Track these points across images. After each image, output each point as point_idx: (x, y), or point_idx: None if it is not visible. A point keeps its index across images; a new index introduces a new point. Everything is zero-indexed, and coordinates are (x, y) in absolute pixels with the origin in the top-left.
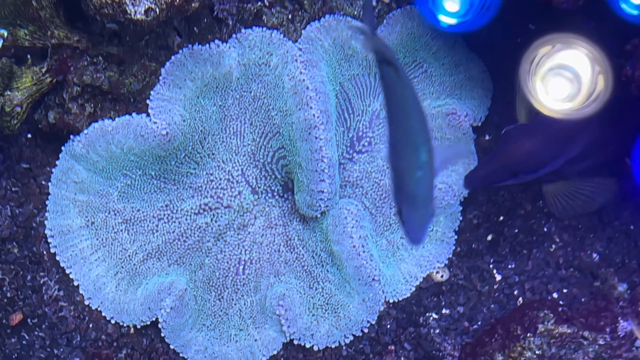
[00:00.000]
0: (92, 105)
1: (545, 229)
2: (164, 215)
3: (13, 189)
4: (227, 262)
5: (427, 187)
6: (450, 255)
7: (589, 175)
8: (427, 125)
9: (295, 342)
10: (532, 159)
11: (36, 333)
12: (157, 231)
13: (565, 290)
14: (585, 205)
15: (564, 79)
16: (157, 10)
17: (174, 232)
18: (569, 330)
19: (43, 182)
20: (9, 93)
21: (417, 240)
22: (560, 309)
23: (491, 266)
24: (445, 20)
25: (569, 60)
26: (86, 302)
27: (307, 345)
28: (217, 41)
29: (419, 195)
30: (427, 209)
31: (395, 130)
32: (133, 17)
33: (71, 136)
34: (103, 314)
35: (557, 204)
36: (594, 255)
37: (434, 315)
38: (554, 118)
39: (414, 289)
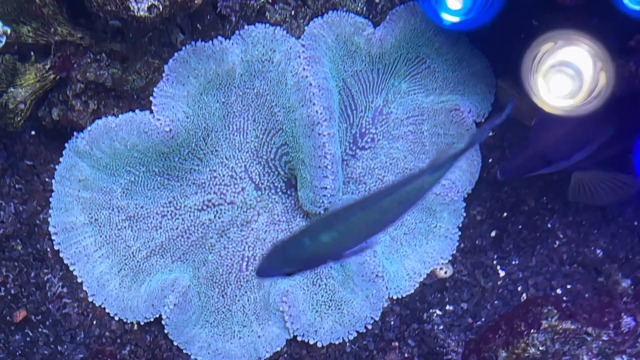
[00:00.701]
0: (95, 102)
1: (549, 225)
2: (168, 211)
3: (17, 186)
4: (231, 259)
5: (306, 257)
6: (454, 252)
7: (619, 164)
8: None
9: (299, 338)
10: (566, 146)
11: (40, 330)
12: (160, 228)
13: (569, 286)
14: (604, 198)
15: (566, 75)
16: (160, 7)
17: (177, 228)
18: (572, 326)
19: (47, 179)
20: (12, 90)
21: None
22: (564, 305)
23: (495, 262)
24: (448, 18)
25: (570, 57)
26: (90, 299)
27: (311, 342)
28: (220, 38)
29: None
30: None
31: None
32: (136, 14)
33: (75, 133)
34: (107, 311)
35: (580, 190)
36: (598, 251)
37: (438, 312)
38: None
39: (417, 285)
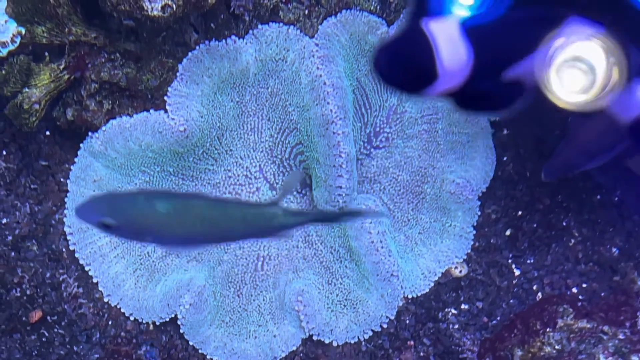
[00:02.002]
0: (109, 102)
1: (564, 224)
2: None
3: (32, 186)
4: (246, 258)
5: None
6: (469, 251)
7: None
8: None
9: (314, 337)
10: (607, 137)
11: (56, 330)
12: None
13: (584, 285)
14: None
15: (579, 71)
16: (174, 6)
17: None
18: (588, 325)
19: (62, 180)
20: (27, 90)
21: None
22: (579, 303)
23: (510, 261)
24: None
25: (583, 52)
26: (105, 299)
27: (326, 341)
28: (233, 37)
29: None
30: None
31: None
32: (150, 13)
33: (89, 133)
34: (122, 311)
35: None
36: (614, 249)
37: (453, 311)
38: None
39: (432, 284)
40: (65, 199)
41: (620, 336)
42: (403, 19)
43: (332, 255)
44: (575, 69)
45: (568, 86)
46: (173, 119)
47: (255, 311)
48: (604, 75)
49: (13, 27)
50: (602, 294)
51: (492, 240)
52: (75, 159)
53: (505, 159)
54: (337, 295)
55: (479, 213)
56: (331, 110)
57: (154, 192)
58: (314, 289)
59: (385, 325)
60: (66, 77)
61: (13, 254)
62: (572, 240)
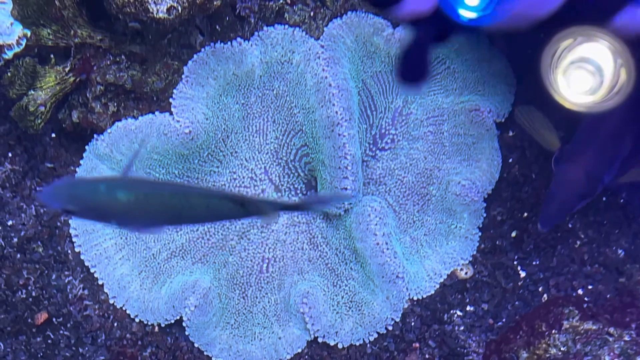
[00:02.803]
0: (115, 104)
1: (569, 225)
2: None
3: (38, 188)
4: (251, 260)
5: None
6: (474, 252)
7: None
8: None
9: (320, 339)
10: (594, 175)
11: (61, 332)
12: (180, 230)
13: (590, 287)
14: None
15: (586, 72)
16: (180, 8)
17: (197, 230)
18: (594, 327)
19: None
20: (32, 92)
21: None
22: (585, 305)
23: (515, 263)
24: (465, 14)
25: (590, 53)
26: (111, 301)
27: (332, 343)
28: (239, 39)
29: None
30: None
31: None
32: (155, 15)
33: (95, 135)
34: (127, 313)
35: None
36: (619, 251)
37: (459, 313)
38: (589, 124)
39: (438, 286)
40: None
41: (626, 338)
42: None
43: (338, 257)
44: (583, 70)
45: (575, 87)
46: (178, 121)
47: (261, 313)
48: (611, 76)
49: (19, 30)
50: (608, 296)
51: (497, 242)
52: (81, 161)
53: (510, 160)
54: (343, 297)
55: (485, 215)
56: (337, 112)
57: (117, 181)
58: (319, 291)
59: (390, 327)
60: (72, 79)
61: (19, 255)
62: (578, 242)
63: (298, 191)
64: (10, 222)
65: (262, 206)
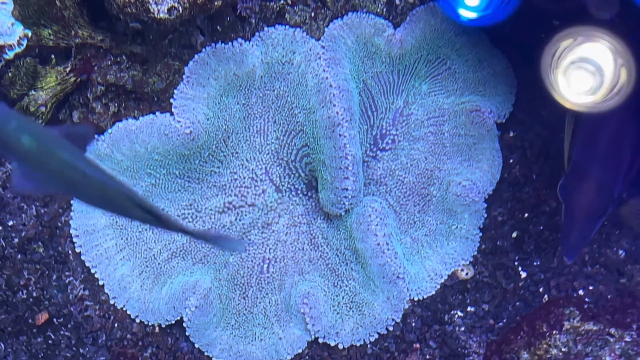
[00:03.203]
0: (116, 104)
1: None
2: (189, 214)
3: None
4: (252, 261)
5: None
6: (475, 253)
7: None
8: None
9: (320, 340)
10: (605, 191)
11: (62, 332)
12: None
13: (591, 287)
14: None
15: (586, 72)
16: (180, 9)
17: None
18: (595, 328)
19: None
20: (33, 93)
21: None
22: (586, 306)
23: (516, 263)
24: (466, 14)
25: (591, 53)
26: (111, 302)
27: (332, 344)
28: (240, 39)
29: None
30: None
31: None
32: (156, 16)
33: (95, 136)
34: (128, 313)
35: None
36: (620, 252)
37: (459, 313)
38: (585, 143)
39: (438, 286)
40: (72, 202)
41: (627, 338)
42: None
43: (338, 257)
44: (583, 70)
45: (575, 87)
46: (179, 121)
47: (261, 313)
48: (611, 76)
49: (20, 30)
50: (609, 297)
51: (498, 243)
52: None
53: (511, 161)
54: (343, 297)
55: (485, 215)
56: (337, 113)
57: (31, 125)
58: (320, 292)
59: (391, 328)
60: (72, 79)
61: (19, 256)
62: None
63: (299, 191)
64: (10, 223)
65: (167, 221)
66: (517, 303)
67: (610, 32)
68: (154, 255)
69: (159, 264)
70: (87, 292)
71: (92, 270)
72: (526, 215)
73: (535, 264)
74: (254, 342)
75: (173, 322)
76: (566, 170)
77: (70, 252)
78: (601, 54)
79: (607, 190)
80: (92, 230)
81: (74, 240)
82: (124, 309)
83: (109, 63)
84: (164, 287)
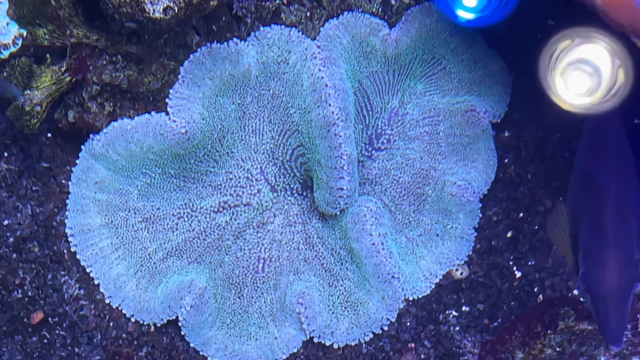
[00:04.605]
0: (111, 104)
1: None
2: (184, 213)
3: (33, 188)
4: (247, 260)
5: None
6: (470, 253)
7: None
8: None
9: (315, 339)
10: (629, 269)
11: (57, 332)
12: (176, 229)
13: None
14: None
15: (584, 73)
16: (176, 8)
17: (193, 230)
18: (589, 327)
19: (63, 181)
20: (28, 92)
21: None
22: (580, 305)
23: (511, 263)
24: (463, 15)
25: (588, 55)
26: (107, 301)
27: (327, 343)
28: (235, 39)
29: None
30: None
31: None
32: (151, 15)
33: (91, 135)
34: (123, 313)
35: None
36: None
37: (454, 313)
38: (595, 231)
39: (433, 286)
40: (67, 201)
41: None
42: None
43: (333, 257)
44: (581, 71)
45: (573, 88)
46: (174, 121)
47: (256, 313)
48: (609, 77)
49: (14, 29)
50: None
51: (493, 242)
52: (77, 161)
53: (506, 160)
54: (338, 297)
55: (480, 215)
56: (332, 112)
57: None
58: (315, 291)
59: (386, 328)
60: (68, 79)
61: (15, 255)
62: None
63: (294, 191)
64: (6, 222)
65: None
66: (512, 303)
67: (608, 33)
68: (149, 254)
69: (154, 263)
70: (82, 292)
71: (88, 270)
72: (521, 214)
73: (530, 263)
74: (249, 341)
75: (168, 321)
76: (570, 263)
77: (65, 251)
78: (599, 55)
79: (630, 262)
80: (87, 229)
81: (69, 239)
82: (120, 308)
83: (105, 63)
84: (160, 286)
